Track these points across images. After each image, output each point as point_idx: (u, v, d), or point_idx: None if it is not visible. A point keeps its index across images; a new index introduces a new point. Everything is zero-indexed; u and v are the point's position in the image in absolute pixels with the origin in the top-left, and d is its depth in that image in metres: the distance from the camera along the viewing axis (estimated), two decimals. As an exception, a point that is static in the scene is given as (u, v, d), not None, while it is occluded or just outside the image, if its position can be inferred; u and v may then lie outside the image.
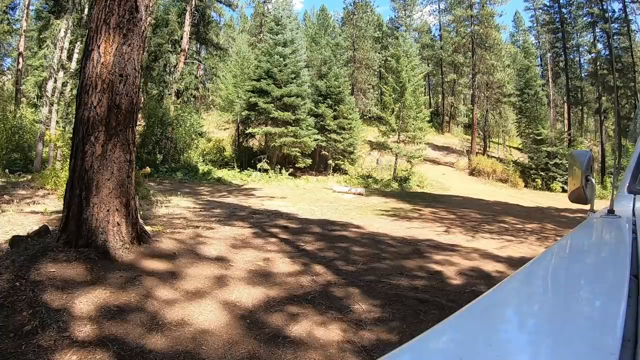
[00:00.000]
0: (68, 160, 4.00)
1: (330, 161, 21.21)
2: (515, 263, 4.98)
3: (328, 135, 20.81)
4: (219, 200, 10.37)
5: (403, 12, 39.69)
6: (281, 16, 20.27)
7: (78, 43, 14.32)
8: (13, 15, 23.96)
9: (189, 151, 19.47)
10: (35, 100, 13.87)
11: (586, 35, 31.35)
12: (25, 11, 21.24)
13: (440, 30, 38.14)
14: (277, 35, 19.82)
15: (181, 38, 19.47)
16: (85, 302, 2.62)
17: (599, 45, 30.18)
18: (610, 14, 28.61)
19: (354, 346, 2.45)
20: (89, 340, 2.24)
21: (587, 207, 1.67)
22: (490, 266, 4.67)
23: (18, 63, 22.46)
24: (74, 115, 4.70)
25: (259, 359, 2.26)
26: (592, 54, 30.56)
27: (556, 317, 0.58)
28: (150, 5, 4.77)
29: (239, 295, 3.09)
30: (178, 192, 11.04)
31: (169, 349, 2.27)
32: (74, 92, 11.40)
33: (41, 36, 13.51)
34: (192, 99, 21.35)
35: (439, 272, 4.20)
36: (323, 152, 21.25)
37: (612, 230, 1.24)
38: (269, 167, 18.98)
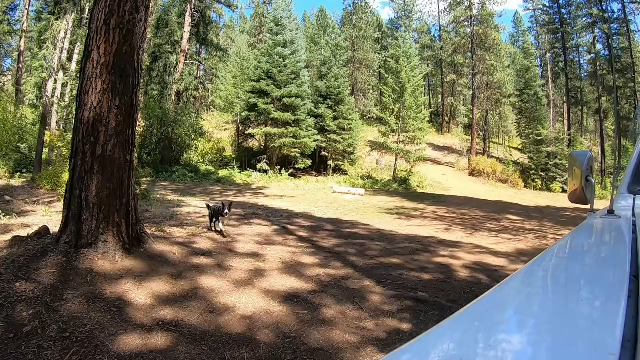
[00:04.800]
0: (68, 160, 4.00)
1: (330, 162, 21.21)
2: (514, 260, 4.99)
3: (328, 135, 20.82)
4: (217, 200, 10.37)
5: (403, 12, 39.70)
6: (281, 17, 20.28)
7: (78, 44, 14.33)
8: (13, 16, 24.02)
9: (189, 152, 19.48)
10: (35, 100, 13.85)
11: (586, 36, 31.38)
12: (26, 12, 21.27)
13: (440, 30, 38.17)
14: (277, 36, 19.84)
15: (181, 39, 19.46)
16: (86, 303, 2.62)
17: (599, 46, 30.23)
18: (609, 14, 28.64)
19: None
20: (89, 340, 2.24)
21: (587, 207, 1.67)
22: (491, 262, 4.69)
23: (18, 63, 22.48)
24: (74, 116, 4.70)
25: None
26: (592, 55, 30.58)
27: (556, 317, 0.58)
28: (150, 5, 4.77)
29: (238, 298, 3.09)
30: (177, 192, 11.04)
31: (168, 349, 2.27)
32: (74, 92, 11.40)
33: (41, 37, 13.49)
34: (192, 99, 21.35)
35: (445, 266, 4.20)
36: (323, 152, 21.25)
37: (612, 230, 1.23)
38: (268, 168, 18.99)
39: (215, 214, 5.17)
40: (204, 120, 23.85)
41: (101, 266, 3.09)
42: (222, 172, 18.43)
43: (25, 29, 21.14)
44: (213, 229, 5.27)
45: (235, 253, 4.24)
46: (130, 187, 3.54)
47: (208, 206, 5.58)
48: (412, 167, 21.30)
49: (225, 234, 5.05)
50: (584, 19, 30.80)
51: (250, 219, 7.12)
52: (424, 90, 34.52)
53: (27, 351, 2.08)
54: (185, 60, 19.13)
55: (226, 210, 4.95)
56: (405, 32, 32.78)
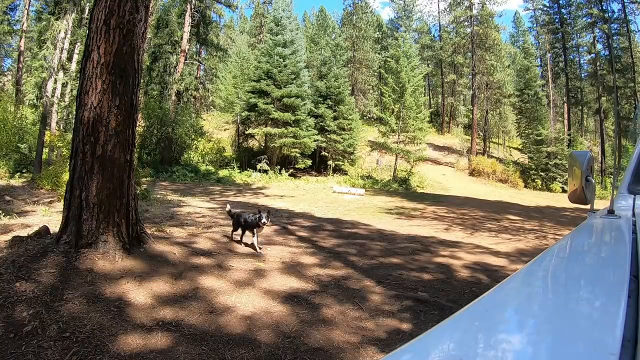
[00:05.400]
0: (68, 160, 4.00)
1: (330, 162, 21.21)
2: (514, 260, 4.99)
3: (328, 135, 20.81)
4: (217, 200, 10.36)
5: (403, 12, 39.71)
6: (281, 17, 20.28)
7: (78, 44, 14.32)
8: (13, 16, 24.03)
9: (189, 152, 19.48)
10: (35, 100, 13.85)
11: (586, 36, 31.38)
12: (26, 12, 21.28)
13: (440, 30, 38.17)
14: (277, 36, 19.84)
15: (181, 39, 19.46)
16: (86, 303, 2.62)
17: (599, 46, 30.23)
18: (609, 14, 28.63)
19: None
20: (89, 340, 2.24)
21: (587, 207, 1.67)
22: (491, 262, 4.69)
23: (18, 63, 22.49)
24: (74, 116, 4.70)
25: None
26: (592, 55, 30.58)
27: (556, 317, 0.58)
28: (150, 5, 4.77)
29: (238, 298, 3.09)
30: (177, 192, 11.05)
31: (168, 349, 2.27)
32: (74, 92, 11.40)
33: (41, 37, 13.48)
34: (192, 99, 21.35)
35: (445, 266, 4.20)
36: (323, 152, 21.25)
37: (612, 230, 1.23)
38: (268, 168, 18.99)
39: (248, 225, 4.29)
40: (204, 120, 23.85)
41: (101, 266, 3.09)
42: (222, 172, 18.44)
43: (25, 29, 21.14)
44: (240, 241, 4.51)
45: (235, 253, 4.24)
46: (130, 187, 3.54)
47: (232, 214, 4.52)
48: (412, 167, 21.30)
49: (259, 248, 4.32)
50: (584, 19, 30.80)
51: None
52: (424, 90, 34.50)
53: (27, 351, 2.08)
54: (185, 60, 19.12)
55: (264, 220, 4.03)
56: (405, 32, 32.81)
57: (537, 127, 26.50)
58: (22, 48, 22.41)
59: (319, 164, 21.56)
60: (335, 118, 21.10)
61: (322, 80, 21.86)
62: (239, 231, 4.51)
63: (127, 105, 3.43)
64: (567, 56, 32.56)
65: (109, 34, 3.31)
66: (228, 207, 4.89)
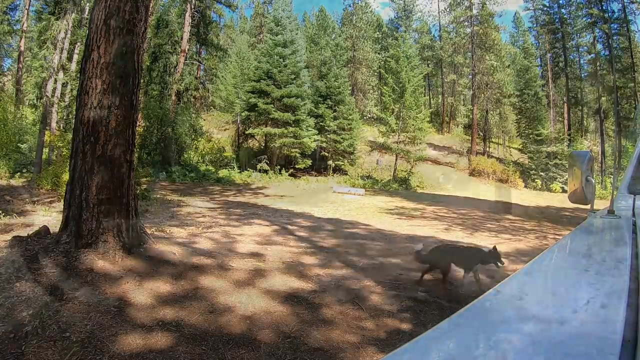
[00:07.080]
0: (68, 160, 4.00)
1: (330, 162, 21.21)
2: (514, 260, 4.99)
3: (328, 135, 20.82)
4: (217, 200, 10.37)
5: (403, 12, 39.69)
6: (281, 17, 20.28)
7: (78, 44, 14.32)
8: (13, 16, 24.00)
9: (189, 151, 19.48)
10: (35, 100, 13.84)
11: (586, 36, 31.33)
12: (26, 12, 21.25)
13: (440, 30, 38.16)
14: (277, 35, 19.84)
15: (181, 39, 19.46)
16: (86, 303, 2.62)
17: (599, 46, 30.21)
18: (609, 14, 28.62)
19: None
20: (89, 340, 2.24)
21: (587, 207, 1.67)
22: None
23: (18, 63, 22.47)
24: (74, 116, 4.70)
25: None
26: (592, 55, 30.58)
27: (556, 317, 0.58)
28: (150, 5, 4.77)
29: (238, 298, 3.09)
30: (177, 192, 11.05)
31: (169, 349, 2.27)
32: (74, 92, 11.39)
33: (41, 37, 13.47)
34: (192, 99, 21.33)
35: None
36: (323, 152, 21.25)
37: (612, 230, 1.23)
38: (268, 168, 18.99)
39: (461, 260, 3.40)
40: (204, 120, 23.83)
41: (101, 266, 3.09)
42: (222, 172, 18.43)
43: (25, 29, 21.10)
44: (421, 281, 3.57)
45: (236, 253, 4.24)
46: (130, 187, 3.54)
47: (420, 256, 3.46)
48: (412, 167, 21.29)
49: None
50: (584, 19, 30.77)
51: (250, 219, 7.12)
52: (424, 90, 34.47)
53: (27, 351, 2.08)
54: (185, 60, 19.12)
55: (500, 263, 3.34)
56: (405, 32, 32.83)
57: (537, 127, 26.50)
58: (22, 48, 22.36)
59: (319, 164, 21.55)
60: (335, 118, 21.10)
61: (322, 80, 21.86)
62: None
63: (127, 105, 3.43)
64: (567, 56, 32.53)
65: (109, 34, 3.31)
66: (418, 246, 3.72)
